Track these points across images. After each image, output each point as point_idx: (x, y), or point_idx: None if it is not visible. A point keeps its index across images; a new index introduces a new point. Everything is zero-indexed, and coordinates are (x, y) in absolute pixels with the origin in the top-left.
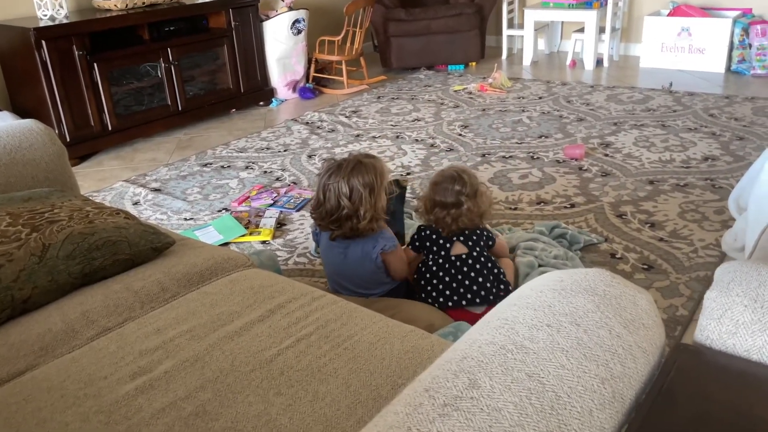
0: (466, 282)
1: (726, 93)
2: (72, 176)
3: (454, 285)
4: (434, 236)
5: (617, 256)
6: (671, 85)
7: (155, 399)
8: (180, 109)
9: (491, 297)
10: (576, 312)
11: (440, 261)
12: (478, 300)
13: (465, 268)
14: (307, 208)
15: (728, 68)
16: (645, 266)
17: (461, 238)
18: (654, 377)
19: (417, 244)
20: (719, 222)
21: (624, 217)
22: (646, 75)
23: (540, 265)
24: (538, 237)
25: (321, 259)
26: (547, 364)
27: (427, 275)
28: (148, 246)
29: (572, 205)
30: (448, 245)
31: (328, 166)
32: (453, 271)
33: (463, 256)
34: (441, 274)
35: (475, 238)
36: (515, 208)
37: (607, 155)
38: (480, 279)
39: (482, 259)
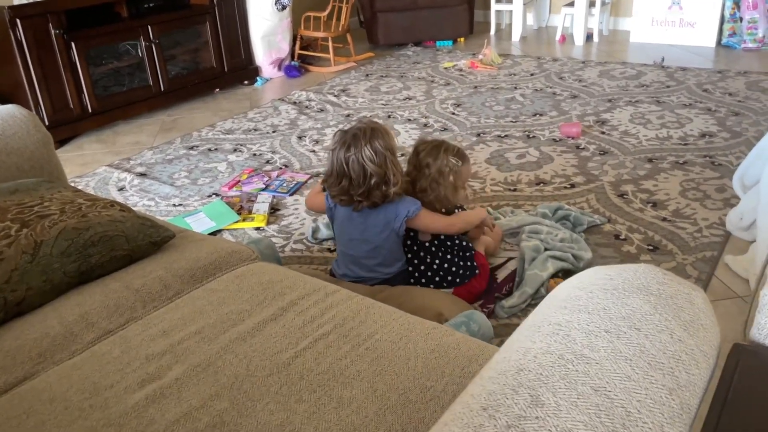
0: (434, 266)
1: (718, 67)
2: (59, 165)
3: (422, 268)
4: None
5: (621, 237)
6: (663, 60)
7: (168, 409)
8: (162, 89)
9: (457, 280)
10: (633, 315)
11: (409, 243)
12: (444, 284)
13: (429, 257)
14: (301, 192)
15: (719, 42)
16: (650, 247)
17: None
18: (711, 380)
19: None
20: (721, 200)
21: (625, 196)
22: (637, 50)
23: (546, 249)
24: (541, 220)
25: (319, 245)
26: (612, 375)
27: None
28: (147, 240)
29: (572, 185)
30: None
31: (343, 138)
32: (422, 253)
33: (426, 244)
34: (410, 256)
35: None
36: (515, 189)
37: (603, 133)
38: (445, 265)
39: (448, 243)
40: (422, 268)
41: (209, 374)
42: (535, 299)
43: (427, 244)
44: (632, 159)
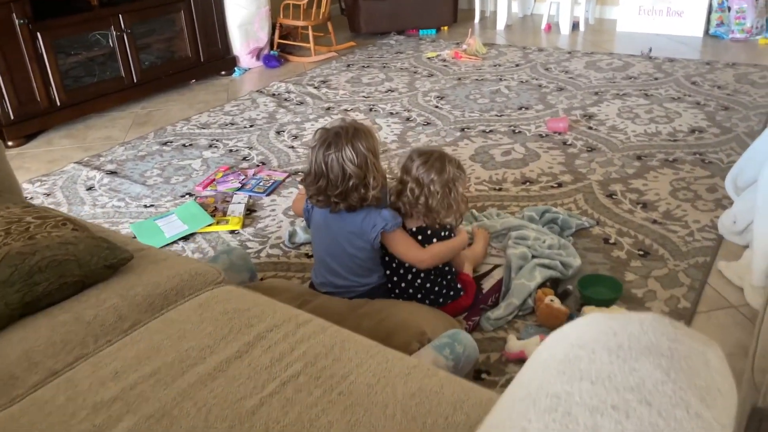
0: (415, 285)
1: (706, 58)
2: (10, 175)
3: (403, 285)
4: None
5: (611, 242)
6: (650, 50)
7: None
8: (135, 81)
9: (440, 300)
10: (643, 384)
11: (387, 259)
12: (427, 302)
13: (410, 275)
14: (278, 192)
15: (706, 32)
16: (641, 252)
17: (419, 237)
18: None
19: None
20: (713, 201)
21: (614, 197)
22: (624, 39)
23: (534, 256)
24: (528, 224)
25: (296, 250)
26: None
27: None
28: (101, 264)
29: (559, 185)
30: None
31: (324, 136)
32: (401, 271)
33: (407, 264)
34: (388, 273)
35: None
36: (500, 189)
37: (591, 128)
38: (427, 285)
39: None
40: (403, 285)
41: (163, 426)
42: (522, 310)
43: (407, 264)
44: (620, 156)
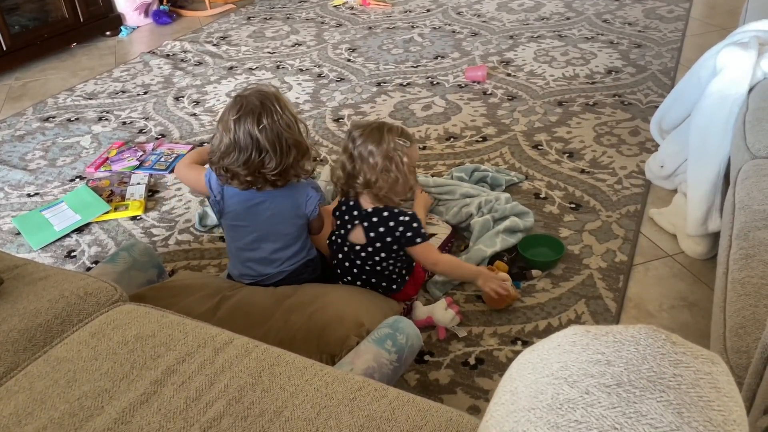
0: (357, 271)
1: None
2: None
3: (356, 271)
4: (344, 207)
5: (541, 196)
6: None
7: None
8: (5, 48)
9: (394, 287)
10: None
11: (339, 241)
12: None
13: (359, 261)
14: None
15: None
16: (572, 205)
17: (365, 224)
18: None
19: (337, 213)
20: (637, 145)
21: (540, 147)
22: None
23: (497, 219)
24: (461, 184)
25: (209, 234)
26: None
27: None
28: None
29: (484, 138)
30: (348, 226)
31: (247, 105)
32: (352, 255)
33: (357, 248)
34: (340, 256)
35: (382, 229)
36: (424, 147)
37: (509, 75)
38: (373, 279)
39: (382, 254)
40: (355, 271)
41: None
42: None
43: (358, 247)
44: (542, 103)
